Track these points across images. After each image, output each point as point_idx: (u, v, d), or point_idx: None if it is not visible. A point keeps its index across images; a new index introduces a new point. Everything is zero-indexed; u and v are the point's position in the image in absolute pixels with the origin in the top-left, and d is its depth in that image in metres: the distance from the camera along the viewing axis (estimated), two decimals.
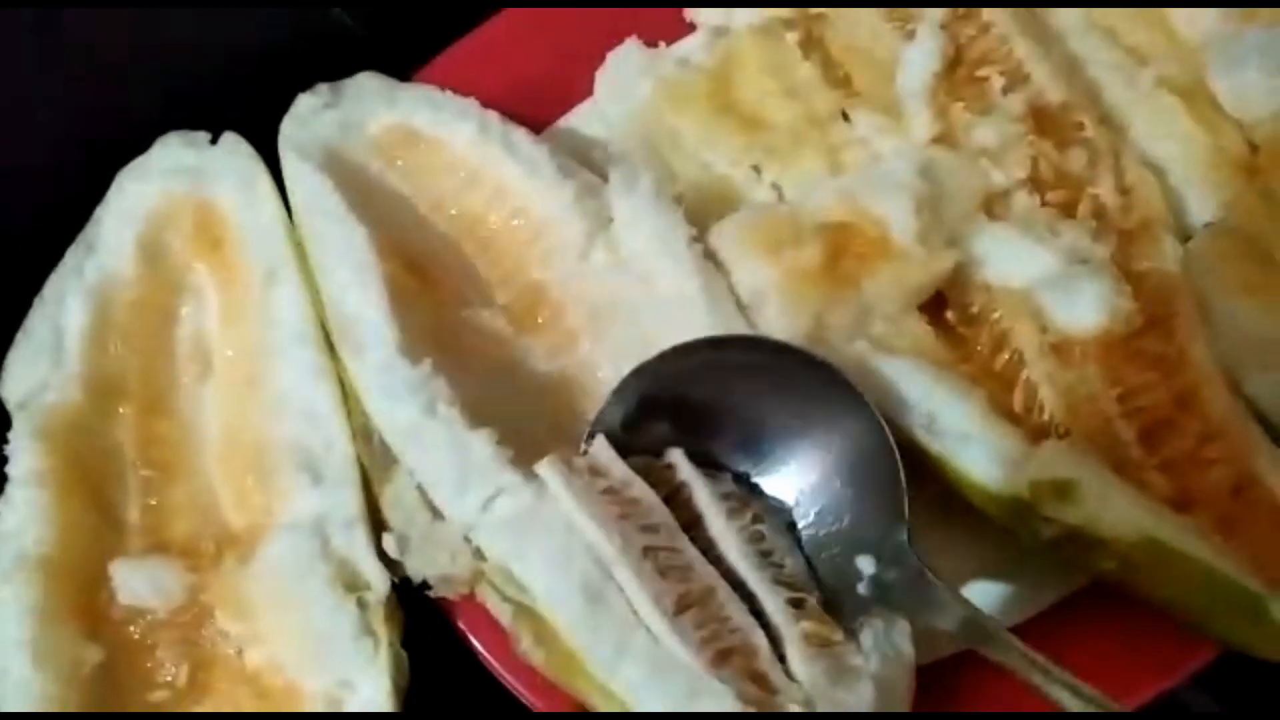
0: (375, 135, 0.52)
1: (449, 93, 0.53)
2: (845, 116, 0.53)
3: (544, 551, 0.41)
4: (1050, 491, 0.42)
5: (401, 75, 0.55)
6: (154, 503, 0.48)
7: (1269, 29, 0.51)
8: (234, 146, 0.51)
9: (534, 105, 0.56)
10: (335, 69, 0.54)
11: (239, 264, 0.50)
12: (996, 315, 0.47)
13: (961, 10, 0.52)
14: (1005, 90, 0.51)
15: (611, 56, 0.56)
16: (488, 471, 0.43)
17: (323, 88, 0.52)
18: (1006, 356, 0.47)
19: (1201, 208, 0.51)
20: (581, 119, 0.57)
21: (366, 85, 0.53)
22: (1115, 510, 0.41)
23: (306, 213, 0.49)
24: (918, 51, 0.51)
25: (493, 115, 0.52)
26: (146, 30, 0.54)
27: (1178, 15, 0.54)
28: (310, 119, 0.51)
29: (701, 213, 0.51)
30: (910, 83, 0.51)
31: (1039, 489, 0.42)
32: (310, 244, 0.48)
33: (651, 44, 0.57)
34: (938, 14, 0.52)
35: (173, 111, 0.53)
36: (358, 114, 0.52)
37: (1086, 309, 0.45)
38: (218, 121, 0.53)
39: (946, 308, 0.49)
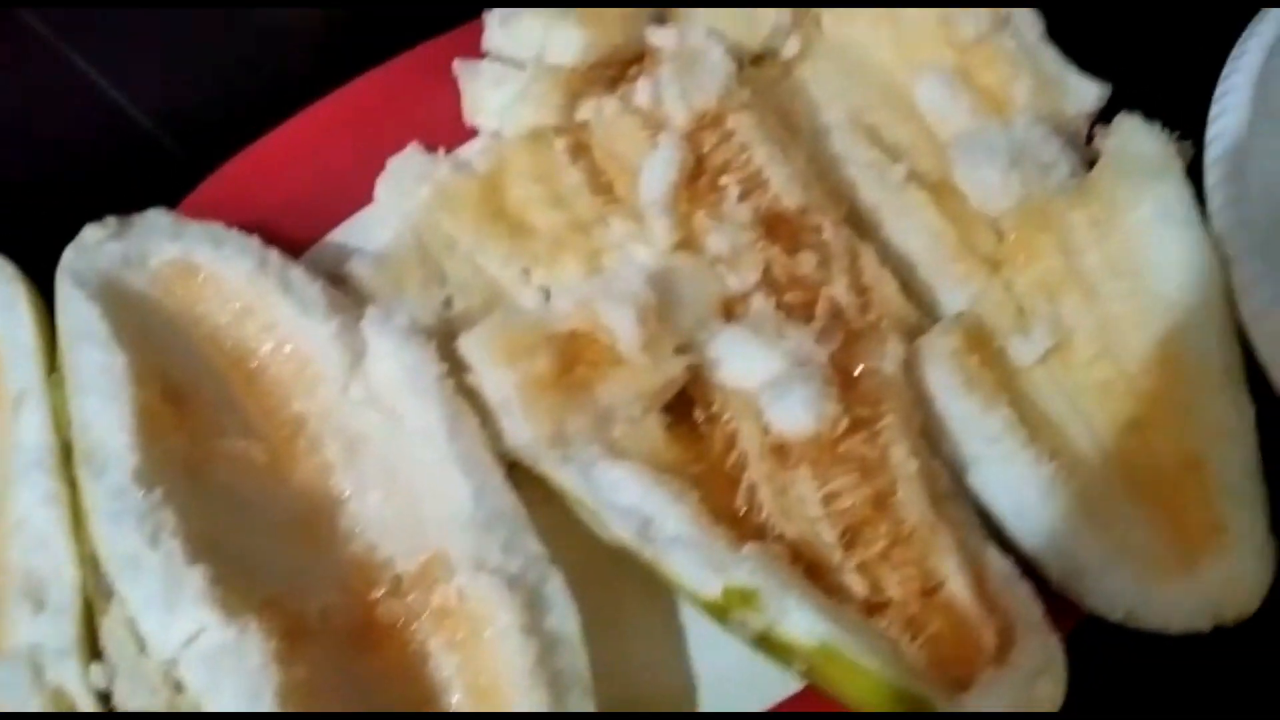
0: (156, 268, 0.53)
1: (234, 229, 0.55)
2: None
3: (235, 692, 0.42)
4: (738, 598, 0.43)
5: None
6: None
7: (1008, 127, 0.52)
8: None
9: (319, 210, 0.59)
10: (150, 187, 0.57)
11: None
12: (727, 417, 0.49)
13: (708, 118, 0.53)
14: (741, 197, 0.52)
15: (392, 162, 0.59)
16: (197, 607, 0.44)
17: (111, 220, 0.54)
18: (733, 458, 0.48)
19: (951, 301, 0.51)
20: (363, 223, 0.59)
21: (154, 220, 0.55)
22: (792, 618, 0.43)
23: (70, 337, 0.50)
24: (656, 161, 0.52)
25: (273, 252, 0.54)
26: None
27: (929, 113, 0.55)
28: (93, 249, 0.53)
29: (472, 317, 0.54)
30: (649, 192, 0.52)
31: (729, 595, 0.44)
32: (68, 369, 0.50)
33: (432, 148, 0.59)
34: (680, 123, 0.53)
35: None
36: (141, 247, 0.53)
37: (797, 411, 0.47)
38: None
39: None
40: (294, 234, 0.58)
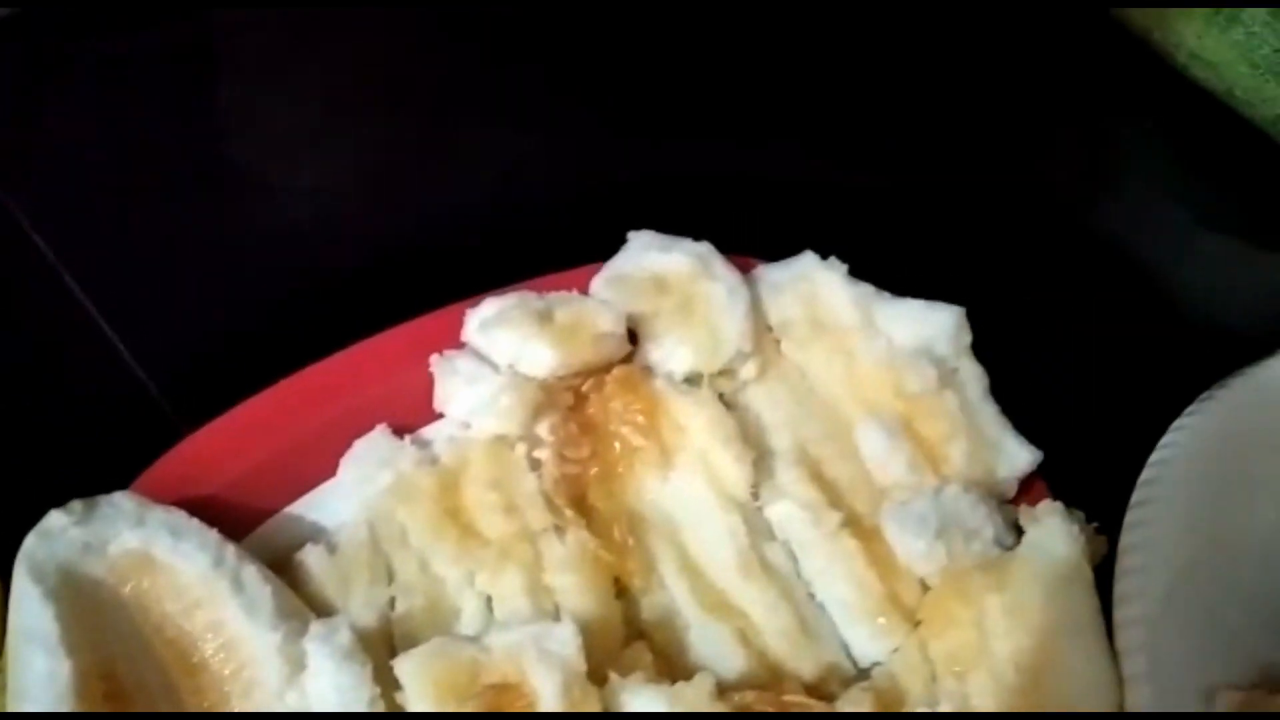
0: (115, 557, 0.56)
1: (194, 521, 0.57)
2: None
3: None
4: None
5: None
6: None
7: (938, 493, 0.55)
8: None
9: (284, 480, 0.61)
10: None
11: None
12: None
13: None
14: None
15: (358, 443, 0.61)
16: None
17: (76, 505, 0.56)
18: None
19: (867, 651, 0.55)
20: (322, 499, 0.61)
21: (119, 505, 0.57)
22: None
23: (18, 636, 0.52)
24: None
25: (230, 549, 0.56)
26: None
27: (869, 459, 0.58)
28: (56, 536, 0.55)
29: (413, 619, 0.57)
30: None
31: None
32: (12, 666, 0.51)
33: (400, 429, 0.62)
34: None
35: None
36: (102, 534, 0.56)
37: None
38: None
39: None
40: (256, 503, 0.61)
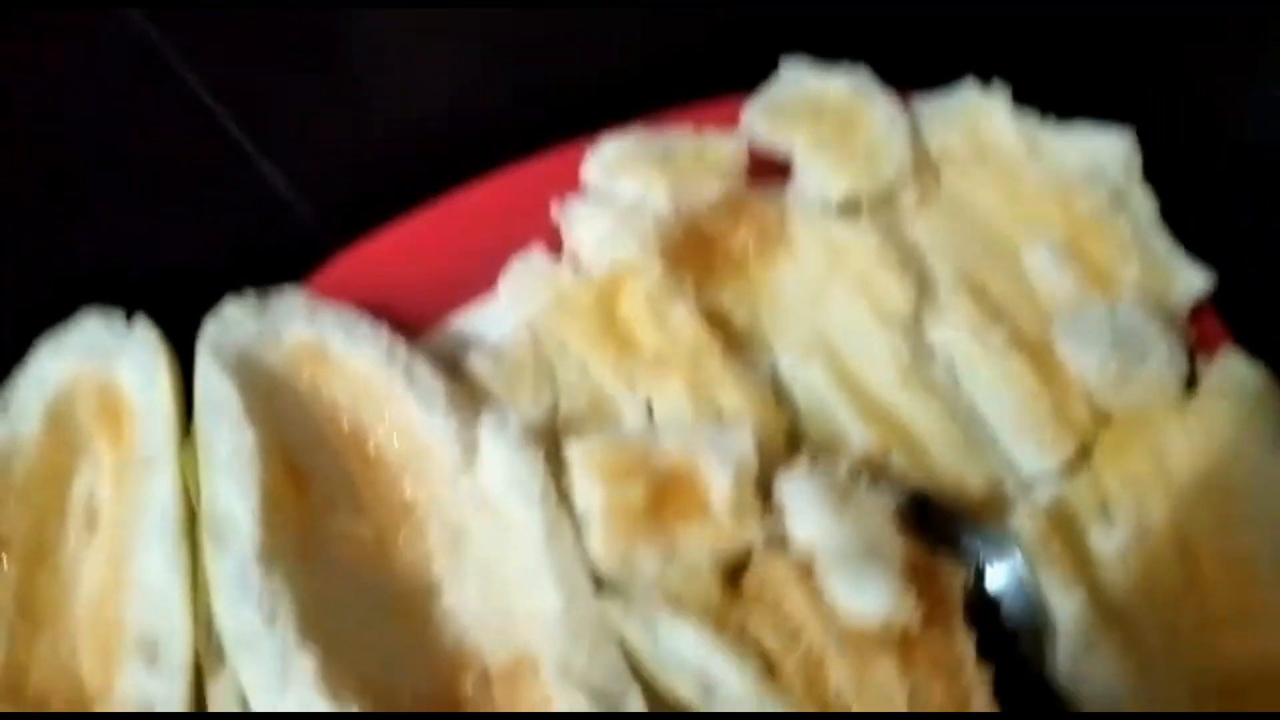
0: (290, 347, 0.57)
1: (364, 317, 0.58)
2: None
3: None
4: None
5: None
6: (19, 651, 0.51)
7: (1111, 309, 0.54)
8: (144, 334, 0.56)
9: (444, 296, 0.61)
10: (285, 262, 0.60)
11: (132, 444, 0.54)
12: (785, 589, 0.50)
13: None
14: None
15: (517, 261, 0.61)
16: (305, 690, 0.46)
17: (250, 296, 0.57)
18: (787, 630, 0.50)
19: (1035, 466, 0.55)
20: (482, 317, 0.62)
21: (290, 300, 0.58)
22: None
23: (205, 408, 0.53)
24: None
25: (400, 344, 0.57)
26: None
27: (1036, 280, 0.57)
28: (233, 324, 0.56)
29: (576, 420, 0.57)
30: None
31: None
32: (201, 439, 0.53)
33: (556, 251, 0.62)
34: None
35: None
36: (277, 326, 0.57)
37: (870, 595, 0.48)
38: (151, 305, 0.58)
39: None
40: (418, 316, 0.61)
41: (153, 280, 0.60)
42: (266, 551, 0.50)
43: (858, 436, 0.58)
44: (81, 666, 0.51)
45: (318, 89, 0.67)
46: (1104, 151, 0.62)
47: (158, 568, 0.51)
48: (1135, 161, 0.62)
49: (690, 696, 0.48)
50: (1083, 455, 0.57)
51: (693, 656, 0.48)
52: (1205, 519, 0.53)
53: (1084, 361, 0.56)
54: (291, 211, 0.67)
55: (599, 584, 0.52)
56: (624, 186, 0.61)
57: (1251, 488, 0.53)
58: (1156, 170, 0.62)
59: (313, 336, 0.57)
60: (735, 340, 0.60)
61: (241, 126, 0.66)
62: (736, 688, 0.47)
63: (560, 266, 0.62)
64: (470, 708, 0.51)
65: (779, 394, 0.59)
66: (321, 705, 0.46)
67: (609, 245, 0.60)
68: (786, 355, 0.60)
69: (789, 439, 0.58)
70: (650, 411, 0.58)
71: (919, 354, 0.60)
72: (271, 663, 0.47)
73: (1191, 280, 0.59)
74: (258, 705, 0.47)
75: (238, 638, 0.48)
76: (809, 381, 0.60)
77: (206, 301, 0.58)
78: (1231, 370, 0.56)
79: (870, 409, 0.58)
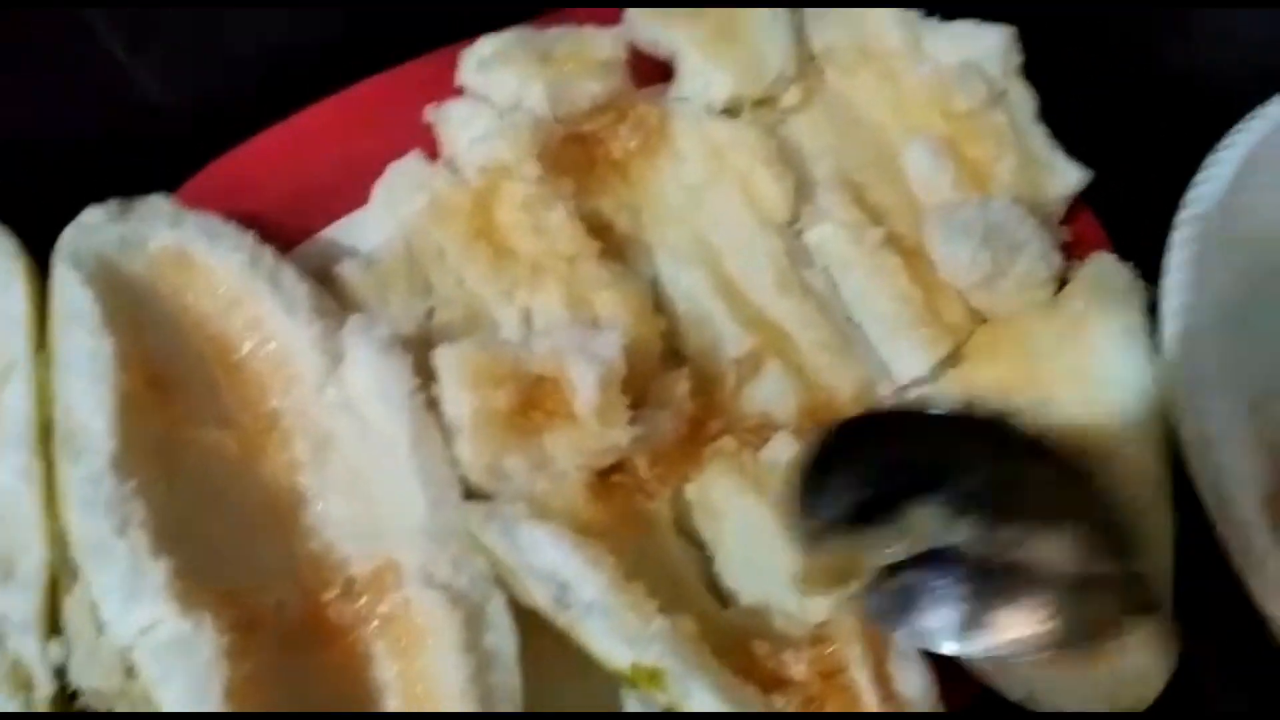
0: (153, 254, 0.55)
1: (230, 223, 0.56)
2: None
3: (184, 683, 0.44)
4: (645, 675, 0.45)
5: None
6: None
7: (985, 204, 0.54)
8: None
9: (314, 206, 0.60)
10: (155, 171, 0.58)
11: None
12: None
13: None
14: None
15: (392, 167, 0.60)
16: (156, 600, 0.46)
17: (112, 202, 0.56)
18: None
19: (907, 365, 0.54)
20: (357, 226, 0.61)
21: (155, 206, 0.56)
22: (694, 700, 0.45)
23: (61, 318, 0.52)
24: None
25: (266, 250, 0.56)
26: None
27: (915, 180, 0.56)
28: (93, 230, 0.55)
29: (451, 330, 0.56)
30: None
31: (637, 672, 0.45)
32: (56, 349, 0.51)
33: (432, 157, 0.61)
34: None
35: None
36: (140, 232, 0.55)
37: None
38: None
39: (618, 471, 0.52)
40: (288, 227, 0.60)
41: (15, 186, 0.58)
42: (122, 461, 0.49)
43: (734, 341, 0.57)
44: None
45: None
46: (983, 48, 0.61)
47: (11, 480, 0.50)
48: (1014, 58, 0.61)
49: (546, 602, 0.47)
50: (957, 358, 0.56)
51: (549, 562, 0.48)
52: (1073, 416, 0.53)
53: (955, 256, 0.56)
54: (162, 118, 0.65)
55: (470, 493, 0.52)
56: (500, 84, 0.60)
57: (1119, 382, 0.53)
58: (1044, 75, 0.61)
59: (175, 243, 0.55)
60: (615, 246, 0.60)
61: (110, 27, 0.63)
62: (591, 592, 0.47)
63: (436, 171, 0.60)
64: (334, 616, 0.51)
65: (658, 300, 0.59)
66: (172, 615, 0.46)
67: (485, 147, 0.59)
68: (666, 260, 0.60)
69: (667, 344, 0.58)
70: (529, 321, 0.57)
71: (797, 257, 0.59)
72: (121, 572, 0.46)
73: (1067, 177, 0.59)
74: (109, 616, 0.46)
75: (88, 547, 0.47)
76: (688, 287, 0.59)
77: (72, 210, 0.56)
78: (1101, 270, 0.56)
79: (747, 314, 0.58)
